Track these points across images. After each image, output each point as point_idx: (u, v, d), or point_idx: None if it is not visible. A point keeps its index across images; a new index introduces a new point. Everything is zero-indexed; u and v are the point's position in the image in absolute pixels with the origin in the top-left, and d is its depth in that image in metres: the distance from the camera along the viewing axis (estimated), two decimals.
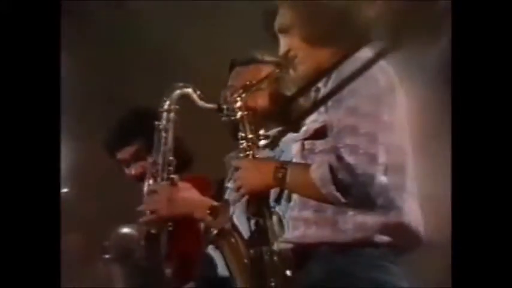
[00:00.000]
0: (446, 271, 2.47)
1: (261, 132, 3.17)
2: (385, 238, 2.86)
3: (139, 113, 3.71)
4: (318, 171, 2.82)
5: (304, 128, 3.00)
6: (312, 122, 2.96)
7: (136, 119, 3.71)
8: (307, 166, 2.87)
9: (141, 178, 3.54)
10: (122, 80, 4.46)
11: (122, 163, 3.84)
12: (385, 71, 2.91)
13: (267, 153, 3.21)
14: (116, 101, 4.32)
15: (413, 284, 2.97)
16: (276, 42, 3.14)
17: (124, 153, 3.80)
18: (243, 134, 3.09)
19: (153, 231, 3.37)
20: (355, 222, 2.86)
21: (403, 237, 2.90)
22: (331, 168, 2.79)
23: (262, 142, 3.10)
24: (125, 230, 3.60)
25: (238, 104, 3.12)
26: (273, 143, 3.08)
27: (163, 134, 3.42)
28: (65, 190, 3.70)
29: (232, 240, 3.13)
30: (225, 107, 3.31)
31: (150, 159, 3.48)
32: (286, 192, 3.03)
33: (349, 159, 2.80)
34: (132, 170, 3.76)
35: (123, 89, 4.42)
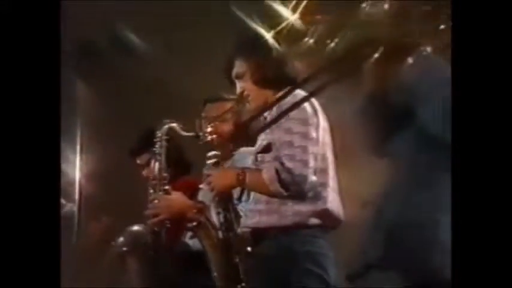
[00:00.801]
0: (359, 245, 2.78)
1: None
2: (315, 221, 3.41)
3: (153, 132, 4.10)
4: (268, 174, 3.35)
5: (256, 145, 3.57)
6: (261, 141, 3.52)
7: (150, 136, 4.11)
8: (259, 170, 3.41)
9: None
10: (129, 106, 4.93)
11: (140, 167, 4.37)
12: (311, 102, 3.46)
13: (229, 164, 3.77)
14: (125, 122, 4.84)
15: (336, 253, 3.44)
16: (234, 84, 3.67)
17: (142, 159, 4.38)
18: (213, 152, 3.63)
19: (156, 229, 3.86)
20: (293, 211, 3.38)
21: (327, 220, 3.44)
22: (277, 171, 3.31)
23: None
24: (136, 228, 4.10)
25: (209, 129, 3.65)
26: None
27: (158, 157, 3.91)
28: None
29: (207, 228, 3.68)
30: (200, 134, 3.76)
31: (150, 175, 3.97)
32: (245, 192, 3.59)
33: (289, 164, 3.32)
34: (146, 172, 4.26)
35: (131, 113, 4.89)
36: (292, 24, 2.54)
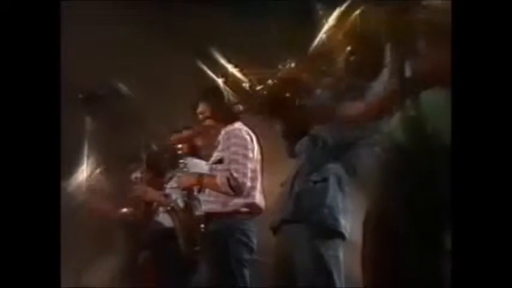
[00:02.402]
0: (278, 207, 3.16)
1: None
2: (246, 209, 4.02)
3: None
4: (221, 180, 3.95)
5: (212, 159, 4.15)
6: (215, 156, 4.10)
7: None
8: (214, 176, 4.02)
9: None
10: (120, 132, 5.03)
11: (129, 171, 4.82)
12: (249, 133, 4.05)
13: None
14: (117, 142, 5.02)
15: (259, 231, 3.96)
16: (197, 118, 4.22)
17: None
18: (182, 161, 4.29)
19: (136, 209, 4.50)
20: (233, 202, 3.98)
21: (254, 209, 4.04)
22: (227, 179, 3.92)
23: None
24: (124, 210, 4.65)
25: (180, 146, 4.27)
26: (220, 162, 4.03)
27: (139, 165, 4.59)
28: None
29: (176, 211, 4.29)
30: (168, 150, 4.41)
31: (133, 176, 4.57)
32: (202, 189, 4.12)
33: (235, 174, 3.92)
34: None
35: (122, 137, 5.01)
36: (235, 75, 2.99)
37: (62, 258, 2.15)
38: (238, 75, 3.00)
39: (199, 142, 4.58)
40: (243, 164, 4.00)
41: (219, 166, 4.09)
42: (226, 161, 4.04)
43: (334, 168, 3.07)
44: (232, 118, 4.08)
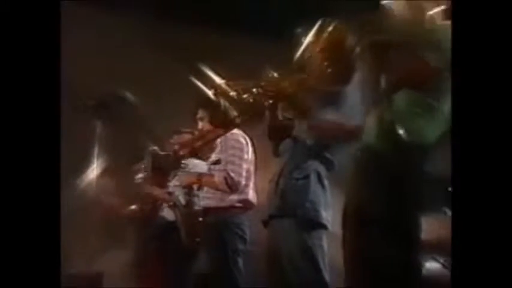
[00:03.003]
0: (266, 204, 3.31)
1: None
2: (239, 205, 4.19)
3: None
4: (219, 178, 4.16)
5: (210, 159, 4.32)
6: (214, 157, 4.28)
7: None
8: (212, 175, 4.21)
9: None
10: (127, 136, 5.08)
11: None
12: (244, 137, 4.24)
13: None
14: (125, 145, 5.06)
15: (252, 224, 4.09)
16: (197, 123, 4.34)
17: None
18: (183, 162, 4.49)
19: (143, 206, 4.68)
20: (228, 198, 4.15)
21: (247, 204, 4.20)
22: (225, 178, 4.11)
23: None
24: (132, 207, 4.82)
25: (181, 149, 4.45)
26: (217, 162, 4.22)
27: (145, 166, 4.68)
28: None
29: (178, 206, 4.46)
30: (171, 153, 4.53)
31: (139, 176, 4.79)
32: (202, 186, 4.29)
33: (232, 174, 4.12)
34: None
35: (128, 140, 5.05)
36: (222, 86, 3.07)
37: (76, 247, 2.11)
38: (225, 86, 3.08)
39: (198, 144, 4.62)
40: (238, 164, 4.18)
41: (217, 166, 4.26)
42: (223, 162, 4.23)
43: (314, 165, 3.22)
44: (228, 123, 4.08)
